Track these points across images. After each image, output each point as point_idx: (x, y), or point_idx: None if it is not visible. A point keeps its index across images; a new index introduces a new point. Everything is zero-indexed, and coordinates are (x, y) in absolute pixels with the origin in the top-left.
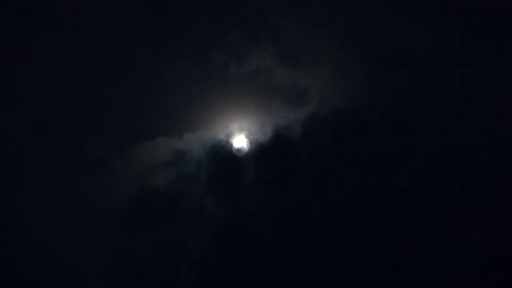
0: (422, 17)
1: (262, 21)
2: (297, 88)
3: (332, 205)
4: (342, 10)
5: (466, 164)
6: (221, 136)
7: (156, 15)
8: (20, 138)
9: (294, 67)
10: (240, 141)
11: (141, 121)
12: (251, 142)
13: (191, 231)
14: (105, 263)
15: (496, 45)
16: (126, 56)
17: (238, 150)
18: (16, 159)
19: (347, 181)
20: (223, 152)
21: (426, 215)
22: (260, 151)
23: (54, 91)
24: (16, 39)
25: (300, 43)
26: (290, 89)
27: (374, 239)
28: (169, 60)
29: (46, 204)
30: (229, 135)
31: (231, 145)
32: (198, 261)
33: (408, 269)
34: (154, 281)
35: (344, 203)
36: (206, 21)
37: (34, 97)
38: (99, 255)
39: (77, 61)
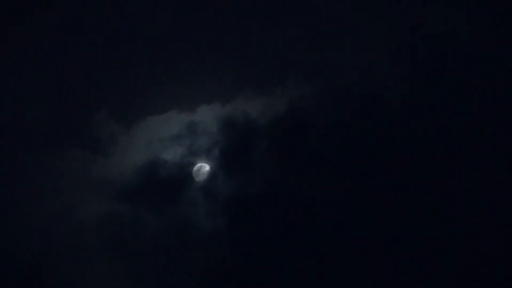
0: None
1: None
2: (313, 61)
3: (347, 180)
4: None
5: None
6: (236, 108)
7: None
8: (25, 110)
9: (310, 39)
10: (203, 168)
11: (154, 94)
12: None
13: (200, 206)
14: (111, 239)
15: None
16: (139, 29)
17: (200, 175)
18: (21, 133)
19: (363, 155)
20: (236, 124)
21: (443, 191)
22: (274, 123)
23: (61, 61)
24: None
25: (317, 15)
26: (306, 61)
27: (390, 217)
28: (183, 31)
29: (52, 179)
30: (244, 107)
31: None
32: (207, 237)
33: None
34: (162, 257)
35: (359, 178)
36: None
37: (40, 69)
38: (106, 230)
39: (86, 30)
